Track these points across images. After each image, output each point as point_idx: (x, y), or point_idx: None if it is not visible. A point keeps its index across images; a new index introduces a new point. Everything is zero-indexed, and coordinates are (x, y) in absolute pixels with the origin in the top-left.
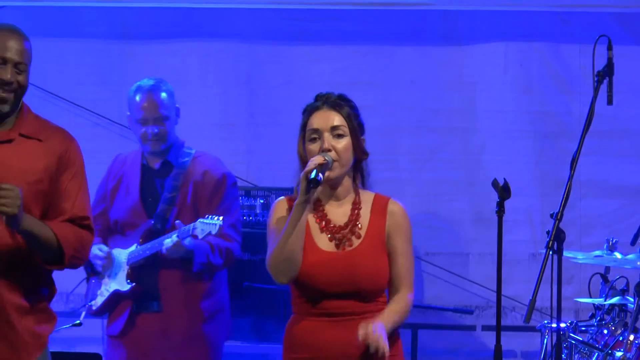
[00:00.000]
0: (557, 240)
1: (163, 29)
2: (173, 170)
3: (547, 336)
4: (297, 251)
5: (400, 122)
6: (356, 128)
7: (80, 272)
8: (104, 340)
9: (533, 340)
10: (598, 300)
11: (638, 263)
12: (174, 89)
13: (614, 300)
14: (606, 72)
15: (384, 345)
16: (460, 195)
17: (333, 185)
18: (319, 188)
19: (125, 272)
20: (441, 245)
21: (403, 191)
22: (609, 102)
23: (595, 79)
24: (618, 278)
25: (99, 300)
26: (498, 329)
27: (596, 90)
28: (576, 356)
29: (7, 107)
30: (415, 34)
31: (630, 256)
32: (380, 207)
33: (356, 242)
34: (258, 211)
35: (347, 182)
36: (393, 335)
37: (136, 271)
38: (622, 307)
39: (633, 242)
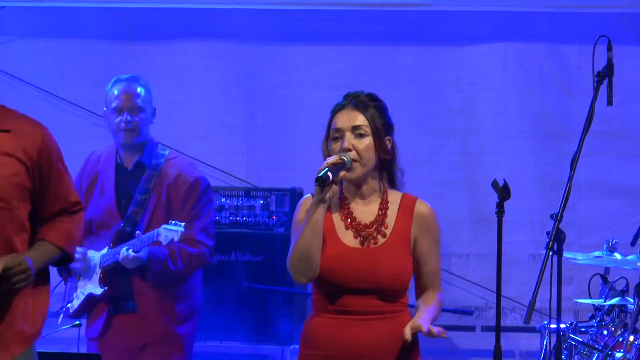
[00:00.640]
0: (557, 241)
1: (163, 30)
2: (145, 172)
3: (546, 337)
4: (314, 251)
5: (399, 122)
6: (380, 129)
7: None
8: (80, 342)
9: (533, 341)
10: (598, 301)
11: (638, 264)
12: (173, 90)
13: (614, 301)
14: (606, 73)
15: (432, 328)
16: (460, 196)
17: (357, 184)
18: (344, 186)
19: (99, 275)
20: (441, 246)
21: (403, 190)
22: (609, 102)
23: (595, 79)
24: (618, 279)
25: (75, 303)
26: (498, 329)
27: (596, 90)
28: (576, 357)
29: None
30: (415, 34)
31: (630, 257)
32: (407, 207)
33: (381, 240)
34: (257, 212)
35: (372, 181)
36: (413, 339)
37: (109, 275)
38: (622, 308)
39: (633, 243)
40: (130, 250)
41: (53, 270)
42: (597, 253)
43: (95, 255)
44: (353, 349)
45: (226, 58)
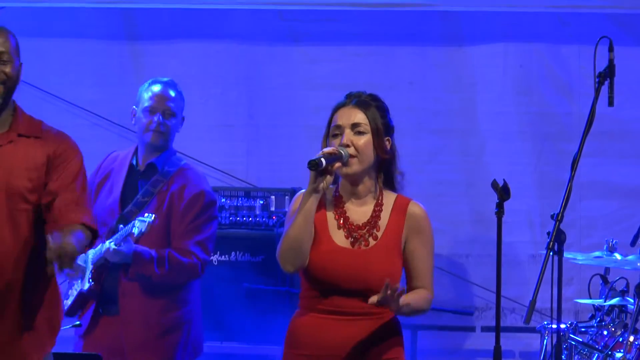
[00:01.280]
0: (557, 241)
1: (163, 30)
2: (155, 176)
3: (547, 337)
4: (304, 240)
5: (399, 123)
6: (379, 128)
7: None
8: (70, 340)
9: (533, 341)
10: (598, 301)
11: (638, 264)
12: None
13: (614, 301)
14: (607, 74)
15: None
16: (459, 197)
17: (353, 182)
18: (340, 185)
19: (90, 271)
20: (441, 247)
21: (402, 192)
22: (610, 103)
23: (596, 80)
24: (618, 279)
25: (68, 301)
26: (497, 330)
27: (597, 91)
28: (576, 357)
29: None
30: (414, 34)
31: (630, 257)
32: (400, 208)
33: (372, 242)
34: (257, 212)
35: (368, 181)
36: (396, 339)
37: (98, 271)
38: (622, 308)
39: (633, 243)
40: (112, 243)
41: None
42: (597, 253)
43: (90, 252)
44: (339, 348)
45: (226, 58)
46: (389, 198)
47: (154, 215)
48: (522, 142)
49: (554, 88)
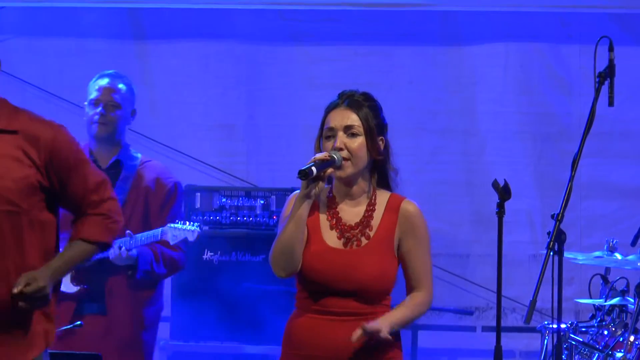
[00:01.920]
0: (557, 241)
1: (163, 30)
2: (122, 172)
3: (547, 337)
4: (297, 246)
5: (399, 123)
6: (373, 128)
7: None
8: None
9: (533, 341)
10: (598, 301)
11: (638, 264)
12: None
13: (614, 301)
14: (607, 74)
15: (377, 328)
16: (460, 197)
17: (347, 184)
18: (334, 186)
19: (70, 273)
20: (441, 247)
21: (403, 192)
22: (610, 103)
23: (597, 80)
24: (618, 279)
25: None
26: (498, 330)
27: (597, 91)
28: (576, 357)
29: None
30: (415, 34)
31: (630, 257)
32: (393, 207)
33: (364, 242)
34: (258, 212)
35: (362, 182)
36: (392, 339)
37: (82, 273)
38: (623, 308)
39: (633, 243)
40: (124, 248)
41: None
42: (597, 253)
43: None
44: (334, 349)
45: (226, 58)
46: (382, 197)
47: (198, 223)
48: (523, 142)
49: (555, 88)
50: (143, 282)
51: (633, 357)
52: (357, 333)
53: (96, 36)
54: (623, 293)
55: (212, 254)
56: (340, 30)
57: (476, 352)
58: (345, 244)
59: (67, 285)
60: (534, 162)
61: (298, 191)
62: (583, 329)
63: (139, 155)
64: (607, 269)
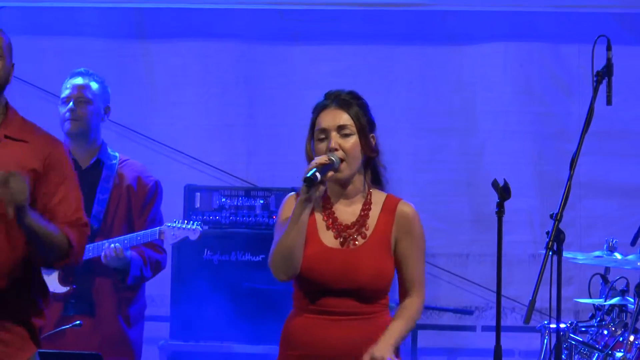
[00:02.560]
0: (556, 240)
1: (163, 30)
2: (103, 172)
3: (547, 337)
4: (297, 249)
5: (399, 122)
6: (364, 126)
7: None
8: None
9: (533, 340)
10: (598, 301)
11: (638, 264)
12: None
13: (614, 300)
14: (605, 73)
15: (382, 357)
16: (459, 196)
17: (343, 184)
18: (328, 187)
19: (57, 274)
20: (441, 246)
21: (402, 192)
22: (608, 102)
23: (595, 79)
24: (618, 279)
25: None
26: (498, 329)
27: (595, 90)
28: (576, 357)
29: None
30: (415, 34)
31: (630, 257)
32: (389, 208)
33: (361, 241)
34: (258, 212)
35: (357, 181)
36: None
37: (69, 274)
38: (622, 308)
39: (633, 243)
40: (118, 245)
41: None
42: (597, 253)
43: None
44: (332, 349)
45: (226, 58)
46: (378, 197)
47: (199, 222)
48: (523, 141)
49: (554, 87)
50: (136, 286)
51: (633, 357)
52: None
53: (97, 36)
54: (623, 293)
55: (211, 253)
56: (340, 30)
57: (476, 351)
58: (342, 244)
59: (55, 286)
60: (534, 161)
61: (292, 193)
62: (583, 329)
63: (117, 154)
64: (607, 269)
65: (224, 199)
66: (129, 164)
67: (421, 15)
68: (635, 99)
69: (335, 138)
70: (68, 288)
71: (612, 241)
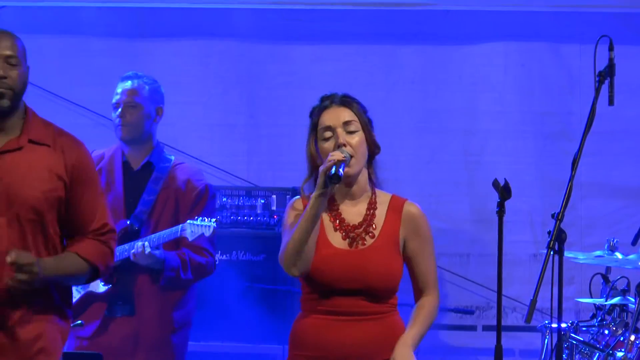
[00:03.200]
0: (558, 240)
1: (163, 29)
2: (153, 174)
3: (547, 336)
4: (311, 244)
5: (400, 122)
6: (367, 122)
7: None
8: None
9: (534, 340)
10: (599, 301)
11: (639, 263)
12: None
13: (615, 300)
14: (607, 73)
15: None
16: (460, 196)
17: (349, 183)
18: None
19: None
20: (442, 246)
21: (403, 192)
22: (610, 102)
23: (597, 79)
24: (619, 278)
25: None
26: (499, 329)
27: (597, 90)
28: (577, 356)
29: (6, 102)
30: (415, 34)
31: (631, 256)
32: (396, 208)
33: (369, 241)
34: (259, 211)
35: (362, 179)
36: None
37: (111, 272)
38: (623, 308)
39: (634, 243)
40: (147, 243)
41: None
42: (598, 252)
43: None
44: (342, 349)
45: (227, 58)
46: (384, 197)
47: (215, 219)
48: (524, 141)
49: (555, 87)
50: (171, 287)
51: (634, 357)
52: None
53: (97, 35)
54: (624, 292)
55: None
56: (341, 30)
57: (477, 351)
58: (350, 244)
59: (96, 285)
60: (535, 161)
61: (297, 198)
62: (584, 329)
63: (172, 157)
64: (608, 268)
65: (224, 199)
66: (182, 167)
67: (422, 15)
68: (636, 99)
69: (342, 134)
70: (109, 287)
71: (613, 241)
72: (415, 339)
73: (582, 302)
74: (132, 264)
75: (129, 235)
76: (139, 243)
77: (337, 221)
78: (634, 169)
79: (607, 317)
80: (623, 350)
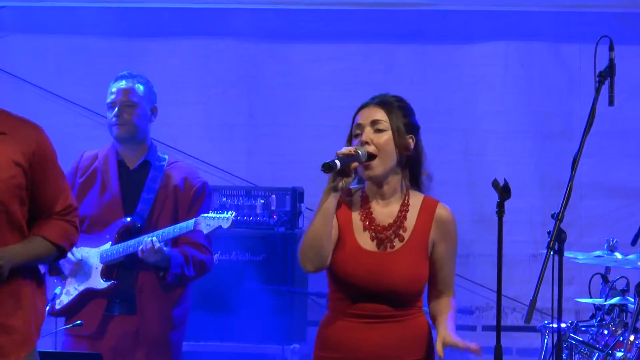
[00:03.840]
0: (557, 240)
1: (163, 29)
2: (150, 172)
3: (547, 336)
4: (325, 239)
5: None
6: (400, 126)
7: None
8: (56, 338)
9: (533, 340)
10: (598, 301)
11: (638, 263)
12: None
13: (615, 300)
14: (608, 73)
15: (466, 343)
16: (460, 196)
17: (378, 183)
18: (367, 186)
19: (99, 270)
20: None
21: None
22: (611, 102)
23: (597, 79)
24: (618, 278)
25: (64, 299)
26: (498, 329)
27: (597, 90)
28: (576, 356)
29: None
30: (415, 33)
31: (630, 256)
32: (427, 211)
33: (398, 244)
34: (258, 211)
35: (394, 180)
36: (425, 340)
37: (111, 269)
38: (623, 308)
39: (633, 243)
40: (155, 239)
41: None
42: (597, 253)
43: (92, 252)
44: (368, 351)
45: (226, 57)
46: (416, 199)
47: (232, 212)
48: (523, 141)
49: (555, 87)
50: (177, 284)
51: (633, 357)
52: (440, 350)
53: (96, 35)
54: (623, 292)
55: None
56: (340, 30)
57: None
58: (378, 246)
59: (97, 281)
60: (535, 161)
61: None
62: (583, 329)
63: (166, 156)
64: (608, 269)
65: (224, 199)
66: (178, 166)
67: (421, 15)
68: (636, 99)
69: (368, 133)
70: (110, 283)
71: (612, 241)
72: (451, 324)
73: (581, 302)
74: (134, 261)
75: (132, 233)
76: (147, 238)
77: (367, 221)
78: (634, 169)
79: (606, 317)
80: (622, 350)
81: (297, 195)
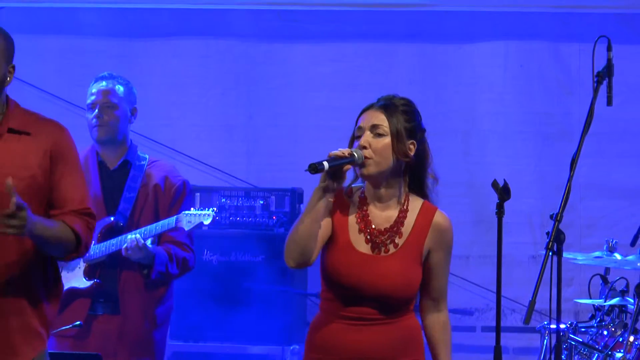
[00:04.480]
0: (556, 241)
1: (163, 29)
2: (130, 172)
3: (546, 337)
4: (310, 239)
5: None
6: (400, 131)
7: None
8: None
9: (533, 341)
10: (598, 302)
11: (638, 264)
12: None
13: (614, 301)
14: (606, 73)
15: None
16: (460, 197)
17: (375, 185)
18: (365, 188)
19: (82, 269)
20: None
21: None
22: (609, 103)
23: (595, 79)
24: (618, 279)
25: None
26: (498, 330)
27: (596, 91)
28: (576, 357)
29: None
30: (415, 34)
31: (630, 257)
32: (425, 217)
33: (392, 249)
34: (258, 212)
35: (392, 185)
36: (416, 343)
37: (94, 268)
38: (622, 308)
39: (633, 243)
40: (139, 236)
41: None
42: (597, 253)
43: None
44: (358, 353)
45: (226, 58)
46: (415, 204)
47: (214, 208)
48: (523, 142)
49: (555, 88)
50: (157, 281)
51: (632, 357)
52: None
53: (95, 36)
54: (622, 293)
55: (211, 254)
56: (340, 30)
57: (476, 351)
58: (372, 249)
59: (80, 280)
60: (534, 162)
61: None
62: (582, 329)
63: (147, 155)
64: (607, 269)
65: (223, 200)
66: (158, 165)
67: (421, 15)
68: (635, 100)
69: (367, 136)
70: (93, 282)
71: (612, 242)
72: None
73: (581, 303)
74: (117, 260)
75: (114, 232)
76: (131, 236)
77: (363, 223)
78: (633, 170)
79: (606, 318)
80: (622, 351)
81: (297, 196)
